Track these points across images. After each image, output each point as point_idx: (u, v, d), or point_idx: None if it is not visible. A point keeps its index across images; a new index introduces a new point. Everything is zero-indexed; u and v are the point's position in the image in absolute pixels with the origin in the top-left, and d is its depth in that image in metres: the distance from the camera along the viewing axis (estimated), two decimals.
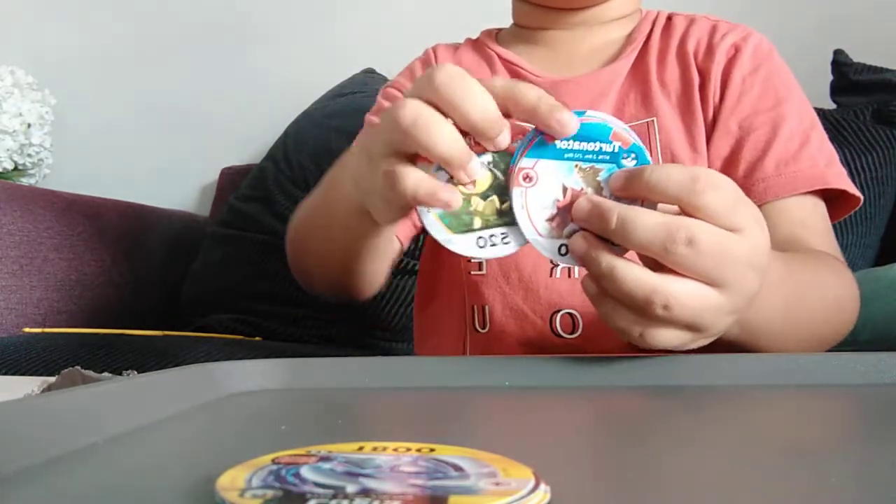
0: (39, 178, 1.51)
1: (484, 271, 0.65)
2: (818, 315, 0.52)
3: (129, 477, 0.24)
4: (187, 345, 0.86)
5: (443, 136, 0.36)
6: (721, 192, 0.35)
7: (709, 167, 0.62)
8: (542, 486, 0.19)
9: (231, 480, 0.20)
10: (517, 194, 0.38)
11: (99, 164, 1.63)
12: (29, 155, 1.45)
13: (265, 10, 1.58)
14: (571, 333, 0.61)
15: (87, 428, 0.28)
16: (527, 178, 0.37)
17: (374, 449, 0.23)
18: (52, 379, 0.39)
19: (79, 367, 0.38)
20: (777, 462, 0.24)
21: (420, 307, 0.75)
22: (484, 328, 0.65)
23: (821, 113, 1.10)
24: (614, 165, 0.37)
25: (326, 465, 0.21)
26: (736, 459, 0.25)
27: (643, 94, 0.65)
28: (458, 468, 0.21)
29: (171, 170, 1.61)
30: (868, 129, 1.06)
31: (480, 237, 0.39)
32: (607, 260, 0.35)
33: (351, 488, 0.19)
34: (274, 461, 0.21)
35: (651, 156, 0.66)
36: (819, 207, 0.61)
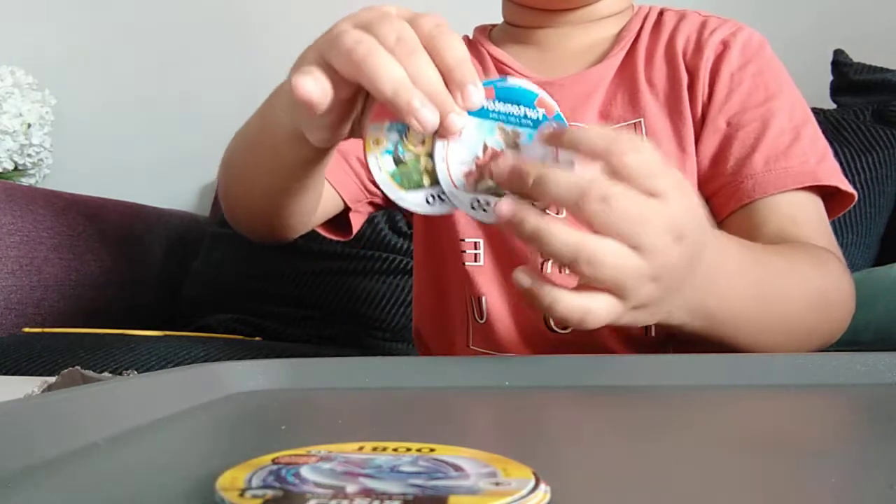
0: (39, 178, 1.51)
1: (481, 262, 0.65)
2: (798, 306, 0.51)
3: (129, 477, 0.24)
4: (187, 345, 0.85)
5: (386, 68, 0.37)
6: (641, 155, 0.36)
7: (697, 165, 0.62)
8: (542, 486, 0.19)
9: (231, 480, 0.20)
10: (440, 147, 0.39)
11: (99, 165, 1.63)
12: (29, 155, 1.45)
13: (265, 9, 1.58)
14: (564, 328, 0.61)
15: (87, 428, 0.28)
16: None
17: (374, 449, 0.23)
18: (52, 379, 0.39)
19: (79, 367, 0.38)
20: (777, 462, 0.24)
21: (420, 300, 0.74)
22: (482, 319, 0.65)
23: (821, 113, 1.10)
24: (535, 131, 0.39)
25: (326, 465, 0.21)
26: (736, 459, 0.25)
27: (630, 95, 0.64)
28: (458, 468, 0.21)
29: (171, 170, 1.61)
30: (868, 129, 1.06)
31: (430, 195, 0.40)
32: (534, 220, 0.35)
33: (351, 488, 0.19)
34: (274, 461, 0.21)
35: None
36: (813, 203, 0.60)
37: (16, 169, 1.45)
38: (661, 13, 0.68)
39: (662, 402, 0.37)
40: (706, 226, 0.40)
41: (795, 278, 0.51)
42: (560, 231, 0.35)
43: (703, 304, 0.42)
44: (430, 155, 0.40)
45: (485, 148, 0.39)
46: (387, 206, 0.75)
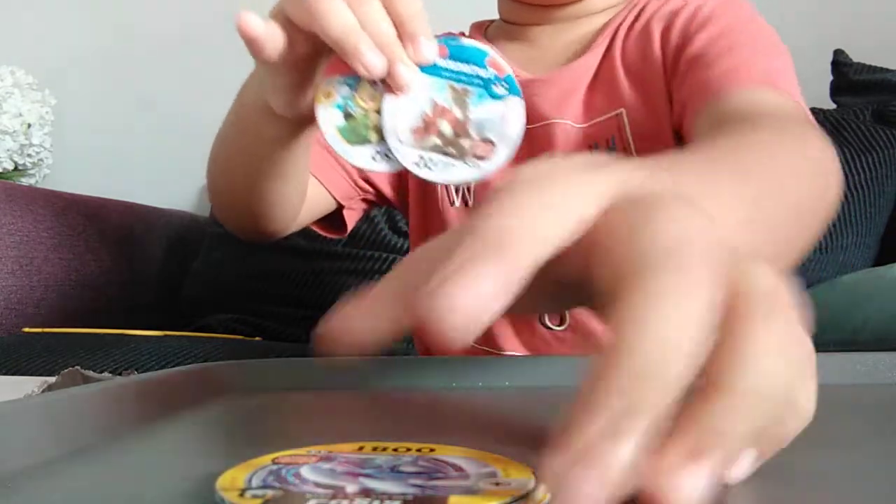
0: (39, 178, 1.51)
1: None
2: (798, 187, 0.39)
3: (129, 477, 0.24)
4: (187, 345, 0.86)
5: (337, 13, 0.37)
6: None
7: (675, 112, 0.60)
8: (543, 486, 0.19)
9: (231, 480, 0.20)
10: (389, 102, 0.39)
11: (99, 165, 1.63)
12: (29, 155, 1.45)
13: (266, 10, 1.58)
14: (560, 325, 0.61)
15: (87, 428, 0.28)
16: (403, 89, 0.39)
17: (374, 449, 0.23)
18: (52, 379, 0.39)
19: (79, 367, 0.38)
20: (776, 462, 0.24)
21: None
22: None
23: (821, 113, 1.10)
24: (485, 91, 0.39)
25: (326, 465, 0.21)
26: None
27: (610, 86, 0.64)
28: (458, 468, 0.21)
29: (171, 170, 1.61)
30: (868, 129, 1.06)
31: (376, 151, 0.40)
32: None
33: (351, 488, 0.19)
34: (274, 461, 0.21)
35: (625, 150, 0.65)
36: (774, 94, 0.53)
37: (16, 169, 1.45)
38: (648, 1, 0.67)
39: None
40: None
41: (783, 161, 0.40)
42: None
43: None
44: (380, 112, 0.39)
45: (434, 105, 0.39)
46: (382, 204, 0.75)
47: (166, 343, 0.86)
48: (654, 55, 0.63)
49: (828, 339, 0.86)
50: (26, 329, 1.04)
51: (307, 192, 0.64)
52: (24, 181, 1.48)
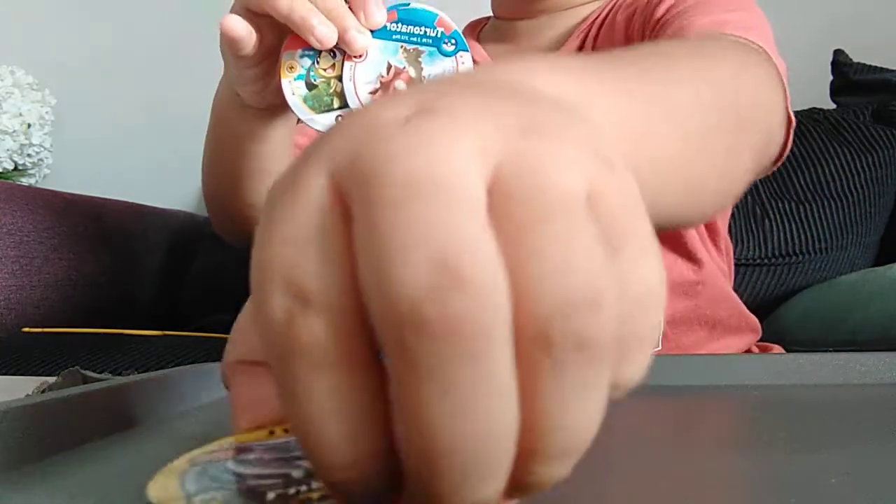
0: (39, 178, 1.51)
1: None
2: (700, 120, 0.31)
3: (130, 477, 0.24)
4: (187, 345, 0.86)
5: None
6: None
7: None
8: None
9: (164, 491, 0.18)
10: (347, 68, 0.42)
11: (99, 164, 1.63)
12: (29, 155, 1.45)
13: None
14: None
15: (87, 428, 0.28)
16: (359, 55, 0.42)
17: (286, 431, 0.21)
18: (52, 379, 0.39)
19: (79, 367, 0.38)
20: (777, 462, 0.24)
21: None
22: None
23: (821, 113, 1.10)
24: (435, 49, 0.42)
25: (251, 456, 0.20)
26: (735, 459, 0.25)
27: None
28: None
29: (171, 170, 1.61)
30: (868, 129, 1.06)
31: (339, 115, 0.43)
32: None
33: (296, 473, 0.18)
34: (192, 462, 0.20)
35: None
36: (716, 35, 0.48)
37: (16, 169, 1.45)
38: None
39: (661, 402, 0.37)
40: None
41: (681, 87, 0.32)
42: None
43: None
44: (340, 78, 0.42)
45: (388, 67, 0.42)
46: None
47: (166, 343, 0.86)
48: (618, 43, 0.63)
49: (828, 339, 0.86)
50: (26, 329, 1.04)
51: None
52: (24, 181, 1.48)
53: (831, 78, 1.18)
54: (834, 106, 1.17)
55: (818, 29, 1.25)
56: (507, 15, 0.72)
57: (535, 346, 0.13)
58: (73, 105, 1.61)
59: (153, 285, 1.32)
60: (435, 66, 0.42)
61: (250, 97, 0.48)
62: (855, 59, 1.17)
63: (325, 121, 0.43)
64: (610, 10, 0.67)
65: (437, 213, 0.12)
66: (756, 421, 0.33)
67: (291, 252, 0.14)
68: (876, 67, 1.14)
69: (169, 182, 1.59)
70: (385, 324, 0.12)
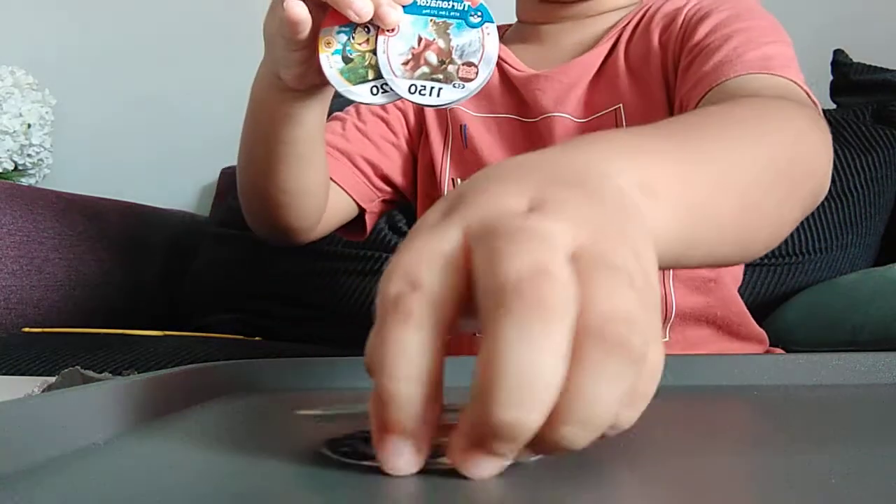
0: (39, 178, 1.51)
1: None
2: (754, 176, 0.35)
3: (129, 477, 0.24)
4: (187, 345, 0.86)
5: None
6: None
7: (679, 103, 0.60)
8: None
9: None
10: (381, 41, 0.45)
11: (99, 164, 1.63)
12: (29, 155, 1.45)
13: (266, 9, 1.58)
14: None
15: (87, 428, 0.28)
16: (391, 29, 0.45)
17: None
18: (52, 379, 0.39)
19: (79, 367, 0.38)
20: (777, 462, 0.24)
21: None
22: None
23: None
24: (463, 21, 0.45)
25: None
26: (735, 459, 0.25)
27: (612, 82, 0.66)
28: None
29: (172, 170, 1.61)
30: (868, 129, 1.06)
31: (374, 86, 0.46)
32: None
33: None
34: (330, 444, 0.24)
35: None
36: (785, 84, 0.53)
37: (16, 169, 1.45)
38: (655, 4, 0.69)
39: (662, 403, 0.37)
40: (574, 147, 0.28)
41: (738, 144, 0.36)
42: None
43: (643, 182, 0.27)
44: (374, 52, 0.45)
45: (419, 39, 0.45)
46: (397, 200, 0.77)
47: (166, 343, 0.86)
48: (653, 53, 0.64)
49: (828, 339, 0.86)
50: (26, 329, 1.04)
51: (329, 200, 0.67)
52: (24, 181, 1.48)
53: (831, 78, 1.18)
54: (834, 106, 1.17)
55: (818, 29, 1.25)
56: (532, 20, 0.73)
57: (592, 335, 0.19)
58: (73, 105, 1.61)
59: (153, 285, 1.32)
60: (462, 37, 0.45)
61: (294, 80, 0.51)
62: (855, 59, 1.17)
63: (360, 91, 0.46)
64: (642, 17, 0.67)
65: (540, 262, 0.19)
66: (756, 421, 0.33)
67: (420, 260, 0.21)
68: (876, 67, 1.14)
69: (169, 182, 1.59)
70: (492, 293, 0.19)
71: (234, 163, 0.60)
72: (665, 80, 0.63)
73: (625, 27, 0.67)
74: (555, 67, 0.67)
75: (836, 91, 1.18)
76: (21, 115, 1.42)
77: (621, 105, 0.64)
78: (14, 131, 1.40)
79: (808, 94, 0.54)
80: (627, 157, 0.27)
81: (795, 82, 0.53)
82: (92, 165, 1.62)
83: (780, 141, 0.39)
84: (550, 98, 0.66)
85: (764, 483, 0.21)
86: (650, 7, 0.68)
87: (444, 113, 0.72)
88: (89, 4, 1.68)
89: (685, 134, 0.33)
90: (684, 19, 0.63)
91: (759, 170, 0.35)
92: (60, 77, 1.60)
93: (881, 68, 1.14)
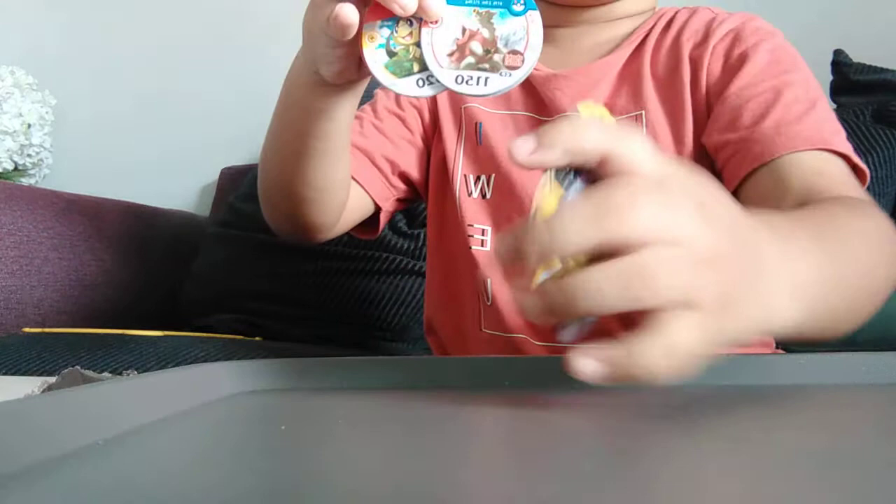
0: (39, 178, 1.51)
1: (486, 247, 0.68)
2: (868, 263, 0.44)
3: (129, 477, 0.24)
4: (187, 345, 0.86)
5: None
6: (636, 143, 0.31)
7: (706, 138, 0.62)
8: None
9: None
10: (425, 34, 0.45)
11: (99, 165, 1.64)
12: (29, 155, 1.45)
13: (266, 9, 1.58)
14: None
15: (87, 428, 0.28)
16: (435, 21, 0.45)
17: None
18: (52, 379, 0.39)
19: (79, 367, 0.38)
20: (777, 462, 0.24)
21: (432, 286, 0.77)
22: (489, 302, 0.67)
23: None
24: (506, 10, 0.45)
25: None
26: (735, 460, 0.25)
27: (634, 87, 0.66)
28: None
29: (172, 169, 1.61)
30: (868, 129, 1.06)
31: (419, 79, 0.45)
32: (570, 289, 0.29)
33: None
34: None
35: None
36: (836, 161, 0.57)
37: (16, 169, 1.45)
38: (676, 12, 0.70)
39: (663, 403, 0.37)
40: (724, 194, 0.32)
41: (855, 237, 0.44)
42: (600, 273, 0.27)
43: (794, 283, 0.33)
44: (418, 44, 0.45)
45: (463, 30, 0.45)
46: (411, 199, 0.78)
47: (166, 343, 0.86)
48: (682, 72, 0.65)
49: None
50: (26, 329, 1.04)
51: (349, 196, 0.67)
52: (24, 181, 1.48)
53: (831, 78, 1.18)
54: (834, 106, 1.17)
55: (818, 29, 1.25)
56: (547, 23, 0.73)
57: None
58: (73, 105, 1.61)
59: (153, 285, 1.32)
60: (506, 26, 0.45)
61: (334, 76, 0.51)
62: (855, 59, 1.17)
63: (406, 84, 0.45)
64: (667, 27, 0.68)
65: None
66: (755, 421, 0.33)
67: (564, 239, 0.27)
68: (876, 67, 1.14)
69: (169, 182, 1.60)
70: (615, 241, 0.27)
71: (234, 163, 0.61)
72: (692, 95, 0.64)
73: (648, 35, 0.68)
74: (574, 68, 0.68)
75: (836, 91, 1.18)
76: (21, 115, 1.42)
77: (643, 112, 0.64)
78: (14, 131, 1.41)
79: (856, 165, 0.58)
80: (774, 243, 0.33)
81: (847, 155, 0.57)
82: (92, 165, 1.63)
83: (877, 228, 0.47)
84: (569, 98, 0.67)
85: (763, 483, 0.21)
86: (673, 18, 0.68)
87: (457, 109, 0.72)
88: (89, 4, 1.68)
89: (818, 233, 0.40)
90: (723, 52, 0.64)
91: (865, 254, 0.44)
92: (60, 77, 1.60)
93: (881, 68, 1.14)
